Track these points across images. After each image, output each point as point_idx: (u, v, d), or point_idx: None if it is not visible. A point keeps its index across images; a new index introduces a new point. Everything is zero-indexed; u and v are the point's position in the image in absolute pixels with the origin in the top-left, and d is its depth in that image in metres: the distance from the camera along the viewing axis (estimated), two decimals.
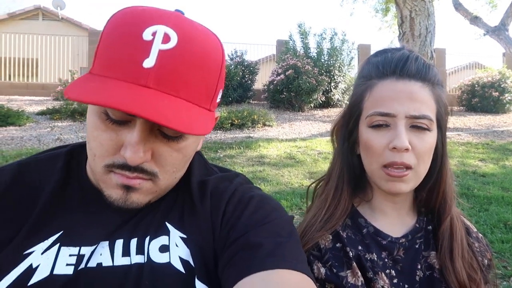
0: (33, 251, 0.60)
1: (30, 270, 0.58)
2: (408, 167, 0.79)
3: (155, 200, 0.69)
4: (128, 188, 0.62)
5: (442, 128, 0.85)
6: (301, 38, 11.33)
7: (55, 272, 0.59)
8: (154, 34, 0.56)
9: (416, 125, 0.79)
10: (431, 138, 0.81)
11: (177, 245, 0.64)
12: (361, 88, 0.87)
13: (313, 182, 1.01)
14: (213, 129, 6.97)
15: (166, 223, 0.67)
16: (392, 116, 0.79)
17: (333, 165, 0.94)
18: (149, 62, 0.55)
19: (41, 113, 8.70)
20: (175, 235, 0.66)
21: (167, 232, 0.66)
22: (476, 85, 11.58)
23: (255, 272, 0.56)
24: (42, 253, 0.60)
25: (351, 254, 0.81)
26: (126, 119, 0.59)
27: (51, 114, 8.52)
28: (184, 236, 0.66)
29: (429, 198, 0.89)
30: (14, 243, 0.61)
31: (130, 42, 0.56)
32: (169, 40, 0.56)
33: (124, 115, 0.58)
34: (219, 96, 0.68)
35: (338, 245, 0.83)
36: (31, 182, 0.67)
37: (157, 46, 0.56)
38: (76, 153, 0.74)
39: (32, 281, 0.57)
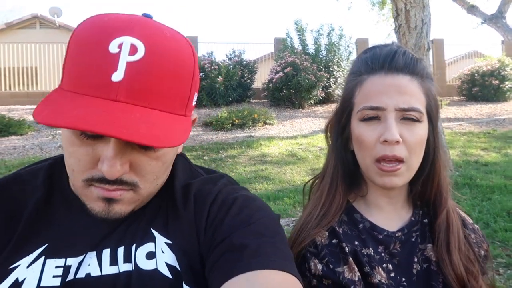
0: (18, 265, 0.60)
1: (17, 284, 0.58)
2: (400, 160, 0.80)
3: (139, 208, 0.69)
4: (109, 200, 0.62)
5: (432, 120, 0.86)
6: (298, 35, 11.31)
7: (42, 284, 0.59)
8: (120, 46, 0.55)
9: (406, 117, 0.80)
10: (421, 130, 0.82)
11: (163, 251, 0.64)
12: (351, 84, 0.89)
13: (309, 180, 1.02)
14: (214, 130, 6.95)
15: (152, 229, 0.67)
16: (381, 109, 0.81)
17: (327, 162, 0.96)
18: (117, 76, 0.54)
19: None
20: (161, 241, 0.65)
21: (152, 239, 0.66)
22: (476, 74, 11.53)
23: (240, 273, 0.56)
24: (28, 267, 0.60)
25: (347, 249, 0.82)
26: (99, 135, 0.58)
27: None
28: (169, 242, 0.65)
29: (424, 191, 0.90)
30: (0, 259, 0.60)
31: (96, 56, 0.55)
32: (136, 51, 0.55)
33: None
34: (195, 99, 0.67)
35: (334, 241, 0.84)
36: (13, 198, 0.67)
37: (124, 58, 0.54)
38: (58, 166, 0.73)
39: None
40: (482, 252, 0.88)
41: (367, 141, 0.82)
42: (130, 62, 0.54)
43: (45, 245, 0.63)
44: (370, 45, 0.97)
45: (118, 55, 0.54)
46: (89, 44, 0.56)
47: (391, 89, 0.81)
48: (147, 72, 0.55)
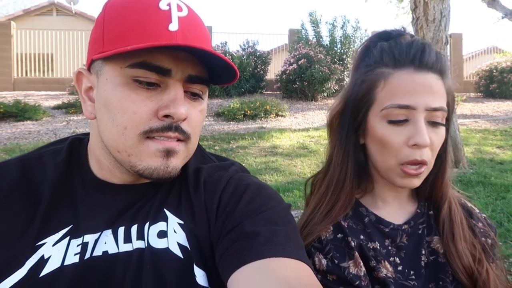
0: (45, 243, 0.63)
1: (43, 261, 0.61)
2: (425, 164, 0.78)
3: (153, 189, 0.71)
4: (168, 153, 0.65)
5: (449, 119, 0.84)
6: (313, 26, 11.18)
7: (65, 263, 0.61)
8: (169, 4, 0.63)
9: (431, 120, 0.78)
10: (443, 131, 0.81)
11: (175, 231, 0.66)
12: (371, 76, 0.82)
13: (311, 177, 0.97)
14: (225, 120, 7.05)
15: (165, 209, 0.68)
16: (412, 108, 0.76)
17: (331, 157, 0.90)
18: (173, 26, 0.62)
19: (57, 107, 8.85)
20: (173, 221, 0.67)
21: (165, 219, 0.67)
22: (494, 70, 11.26)
23: (252, 261, 0.56)
24: (53, 245, 0.63)
25: (353, 244, 0.80)
26: (167, 68, 0.62)
27: (66, 108, 8.66)
28: (182, 222, 0.67)
29: (432, 187, 0.88)
30: (27, 236, 0.63)
31: (151, 12, 0.62)
32: (182, 9, 0.65)
33: (167, 63, 0.62)
34: None
35: (339, 235, 0.82)
36: (35, 178, 0.70)
37: (175, 13, 0.63)
38: (76, 147, 0.76)
39: (44, 272, 0.60)
40: (489, 241, 0.86)
41: (393, 144, 0.78)
42: (180, 16, 0.63)
43: (70, 226, 0.66)
44: None
45: (169, 11, 0.63)
46: (139, 5, 0.63)
47: (421, 88, 0.76)
48: (195, 24, 0.66)
